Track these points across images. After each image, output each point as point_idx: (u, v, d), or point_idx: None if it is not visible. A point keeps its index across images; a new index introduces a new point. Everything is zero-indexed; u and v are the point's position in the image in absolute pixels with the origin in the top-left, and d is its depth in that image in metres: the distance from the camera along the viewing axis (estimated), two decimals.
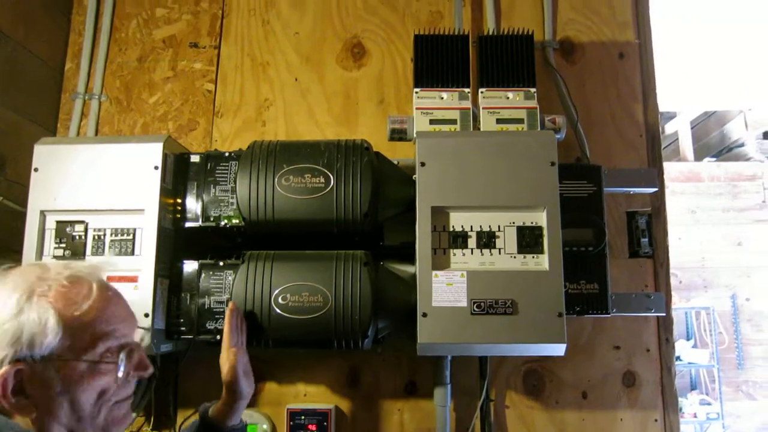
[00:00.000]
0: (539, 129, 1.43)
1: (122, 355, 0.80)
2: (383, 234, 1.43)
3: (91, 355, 0.77)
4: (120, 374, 0.79)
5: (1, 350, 0.74)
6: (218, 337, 1.33)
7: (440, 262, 1.28)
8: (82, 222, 1.35)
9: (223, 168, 1.41)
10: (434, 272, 1.26)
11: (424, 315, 1.24)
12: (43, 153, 1.38)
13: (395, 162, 1.46)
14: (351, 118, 1.75)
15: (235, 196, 1.37)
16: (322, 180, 1.34)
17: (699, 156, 5.56)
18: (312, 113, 1.75)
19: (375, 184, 1.34)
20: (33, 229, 1.34)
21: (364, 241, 1.38)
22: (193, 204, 1.41)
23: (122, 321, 0.82)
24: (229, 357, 1.16)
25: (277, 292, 1.30)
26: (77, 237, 1.35)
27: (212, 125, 1.76)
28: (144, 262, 1.31)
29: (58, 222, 1.35)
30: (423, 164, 1.31)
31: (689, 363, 4.71)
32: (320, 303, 1.29)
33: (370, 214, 1.34)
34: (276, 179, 1.34)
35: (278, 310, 1.29)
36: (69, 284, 0.79)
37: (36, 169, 1.36)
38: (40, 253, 1.34)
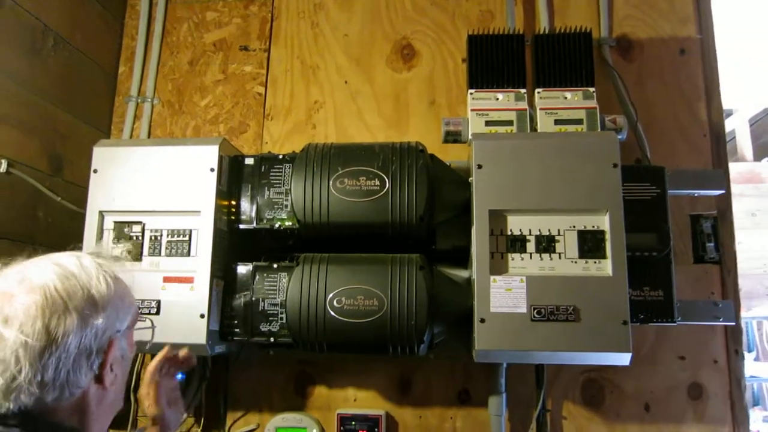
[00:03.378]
0: (599, 130, 1.41)
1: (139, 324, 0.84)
2: (436, 238, 1.42)
3: (132, 323, 0.81)
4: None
5: (108, 320, 0.75)
6: (272, 339, 1.36)
7: (498, 266, 1.27)
8: (139, 223, 1.39)
9: (277, 170, 1.44)
10: (492, 277, 1.25)
11: (482, 321, 1.23)
12: (101, 155, 1.42)
13: (448, 164, 1.46)
14: (401, 120, 1.75)
15: (289, 198, 1.40)
16: (378, 183, 1.35)
17: (758, 156, 5.34)
18: (362, 116, 1.76)
19: (430, 187, 1.35)
20: (92, 229, 1.38)
21: (417, 244, 1.38)
22: (247, 206, 1.43)
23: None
24: (150, 392, 1.11)
25: (332, 295, 1.31)
26: (135, 237, 1.38)
27: (263, 128, 1.78)
28: (200, 264, 1.34)
29: (116, 222, 1.39)
30: (480, 167, 1.30)
31: (751, 377, 4.52)
32: (375, 307, 1.29)
33: (426, 218, 1.34)
34: (331, 182, 1.36)
35: (333, 314, 1.30)
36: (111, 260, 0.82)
37: (95, 171, 1.41)
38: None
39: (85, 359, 0.72)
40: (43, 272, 0.73)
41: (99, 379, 0.75)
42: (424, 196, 1.33)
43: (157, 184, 1.39)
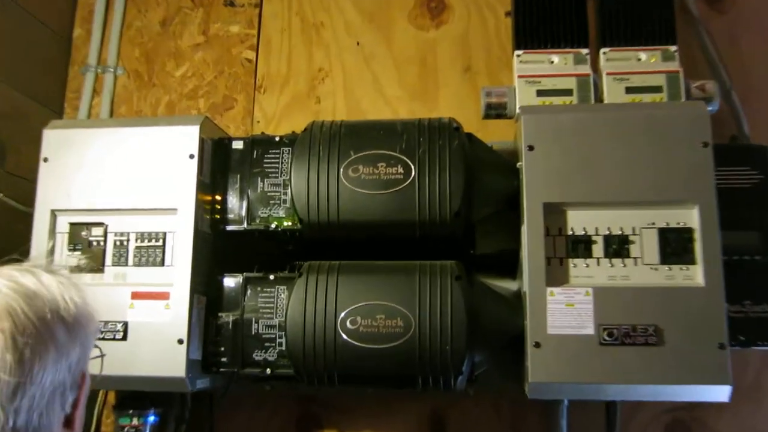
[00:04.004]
0: (683, 99, 1.40)
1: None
2: (475, 239, 1.42)
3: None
4: None
5: (81, 348, 0.76)
6: (268, 370, 1.35)
7: (556, 275, 1.26)
8: (100, 224, 1.39)
9: (273, 156, 1.43)
10: (549, 289, 1.24)
11: (537, 345, 1.22)
12: (53, 139, 1.42)
13: (489, 146, 1.46)
14: (429, 90, 1.74)
15: (288, 191, 1.40)
16: (401, 170, 1.34)
17: None
18: (379, 85, 1.76)
19: (468, 175, 1.34)
20: (42, 232, 1.38)
21: (451, 248, 1.38)
22: (235, 202, 1.43)
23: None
24: None
25: (344, 314, 1.30)
26: (95, 243, 1.38)
27: (253, 103, 1.79)
28: (177, 275, 1.33)
29: (72, 224, 1.39)
30: (531, 148, 1.30)
31: None
32: (400, 328, 1.28)
33: (463, 214, 1.33)
34: (341, 170, 1.35)
35: (346, 337, 1.29)
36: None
37: (45, 160, 1.41)
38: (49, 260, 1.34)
39: (58, 397, 0.72)
40: (1, 290, 0.72)
41: (69, 422, 0.75)
42: (461, 186, 1.32)
43: (122, 175, 1.39)
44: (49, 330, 0.72)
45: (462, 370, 1.27)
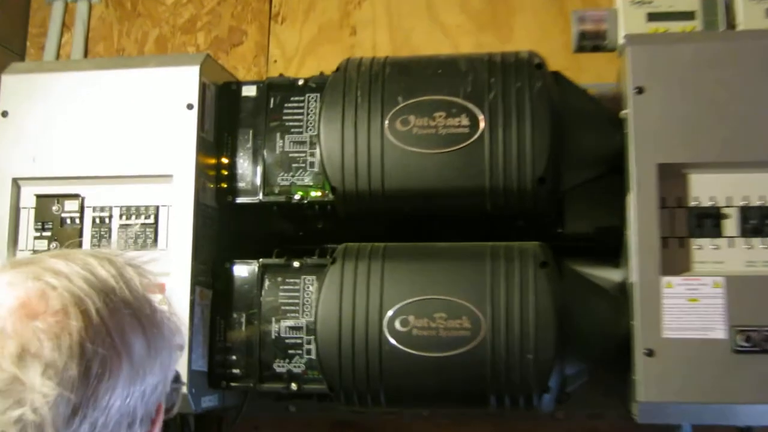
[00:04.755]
0: None
1: None
2: (564, 214, 1.43)
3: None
4: None
5: (161, 369, 0.74)
6: (293, 386, 1.36)
7: (675, 261, 1.25)
8: (75, 196, 1.40)
9: (295, 105, 1.43)
10: (665, 279, 1.23)
11: (649, 353, 1.21)
12: (13, 87, 1.44)
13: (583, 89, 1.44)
14: (500, 16, 1.73)
15: (317, 151, 1.39)
16: (465, 121, 1.32)
17: None
18: (434, 11, 1.75)
19: (555, 128, 1.32)
20: (2, 206, 1.41)
21: (532, 225, 1.40)
22: (247, 166, 1.43)
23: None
24: None
25: (392, 312, 1.29)
26: (68, 220, 1.39)
27: (268, 36, 1.78)
28: (173, 262, 1.34)
29: (39, 197, 1.40)
30: (640, 91, 1.28)
31: None
32: (467, 331, 1.27)
33: (549, 179, 1.32)
34: (387, 122, 1.34)
35: (394, 342, 1.29)
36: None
37: (4, 114, 1.42)
38: (13, 243, 1.41)
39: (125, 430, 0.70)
40: (72, 279, 0.70)
41: None
42: (546, 143, 1.31)
43: (102, 133, 1.39)
44: (126, 341, 0.70)
45: (548, 385, 1.27)
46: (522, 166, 1.32)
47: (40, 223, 1.40)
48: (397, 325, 1.29)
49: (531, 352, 1.26)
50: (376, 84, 1.38)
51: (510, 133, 1.32)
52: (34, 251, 1.38)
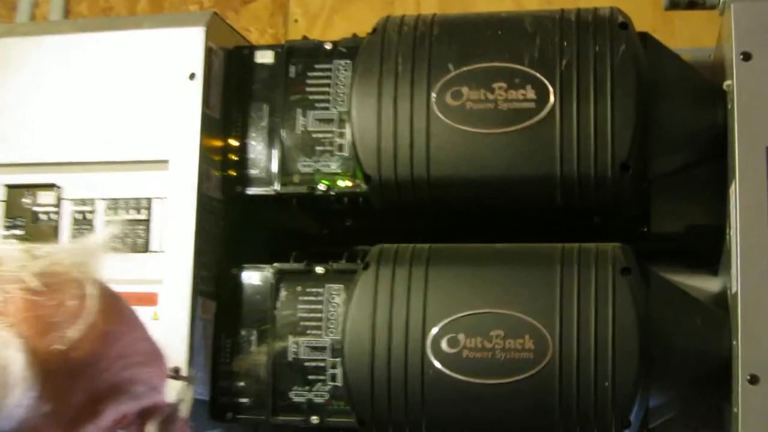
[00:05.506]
0: None
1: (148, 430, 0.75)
2: (650, 209, 1.36)
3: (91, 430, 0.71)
4: None
5: None
6: (315, 419, 1.28)
7: None
8: (51, 187, 1.34)
9: (321, 75, 1.34)
10: None
11: (753, 381, 1.11)
12: None
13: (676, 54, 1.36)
14: None
15: (347, 131, 1.31)
16: (532, 94, 1.23)
17: None
18: None
19: (642, 102, 1.23)
20: None
21: (611, 222, 1.33)
22: (261, 150, 1.36)
23: (144, 362, 0.73)
24: None
25: (438, 329, 1.20)
26: (43, 215, 1.34)
27: None
28: (170, 267, 1.28)
29: (9, 187, 1.36)
30: (747, 57, 1.17)
31: None
32: (530, 353, 1.17)
33: (633, 166, 1.23)
34: (434, 95, 1.25)
35: (439, 366, 1.19)
36: (43, 289, 0.69)
37: None
38: None
39: None
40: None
41: None
42: (631, 120, 1.22)
43: (85, 110, 1.33)
44: None
45: (630, 419, 1.18)
46: (600, 149, 1.23)
47: (10, 219, 1.35)
48: (444, 345, 1.20)
49: (608, 378, 1.18)
50: (422, 48, 1.29)
51: (586, 108, 1.23)
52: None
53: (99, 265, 0.75)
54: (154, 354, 0.76)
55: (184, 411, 0.95)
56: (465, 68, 1.26)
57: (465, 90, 1.25)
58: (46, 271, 0.70)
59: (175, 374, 0.90)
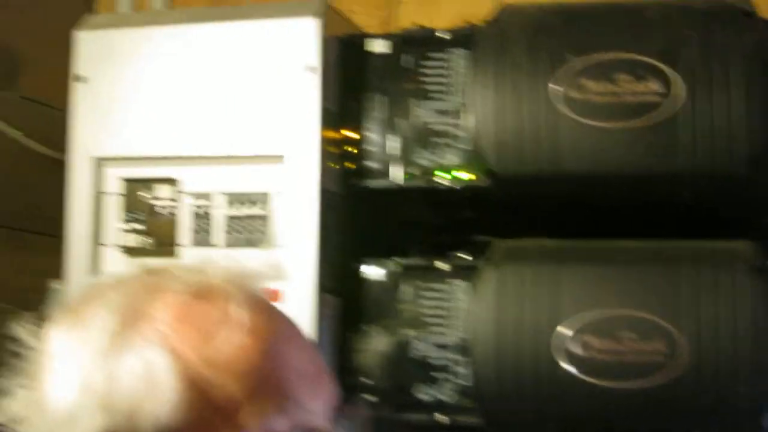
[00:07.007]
0: None
1: None
2: None
3: None
4: None
5: (91, 415, 0.69)
6: (440, 417, 1.29)
7: None
8: (170, 181, 1.35)
9: (437, 64, 1.33)
10: None
11: None
12: (90, 46, 1.38)
13: None
14: None
15: (466, 122, 1.30)
16: (656, 86, 1.21)
17: None
18: None
19: None
20: (81, 193, 1.37)
21: (741, 219, 1.30)
22: (377, 143, 1.35)
23: (309, 381, 0.73)
24: None
25: (568, 330, 1.20)
26: (162, 210, 1.35)
27: None
28: (293, 263, 1.28)
29: (127, 181, 1.36)
30: None
31: None
32: (660, 355, 1.17)
33: (765, 159, 1.21)
34: (555, 87, 1.24)
35: (569, 368, 1.19)
36: (197, 300, 0.72)
37: (81, 78, 1.37)
38: (95, 237, 1.37)
39: None
40: None
41: None
42: (762, 112, 1.20)
43: (200, 104, 1.34)
44: None
45: (763, 424, 1.18)
46: (730, 143, 1.21)
47: (129, 213, 1.36)
48: (571, 345, 1.20)
49: (741, 384, 1.17)
50: (541, 37, 1.29)
51: (714, 100, 1.21)
52: (124, 249, 1.37)
53: (255, 284, 0.76)
54: (319, 370, 0.75)
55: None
56: (587, 59, 1.25)
57: (587, 81, 1.24)
58: (202, 283, 0.72)
59: (340, 410, 0.91)
